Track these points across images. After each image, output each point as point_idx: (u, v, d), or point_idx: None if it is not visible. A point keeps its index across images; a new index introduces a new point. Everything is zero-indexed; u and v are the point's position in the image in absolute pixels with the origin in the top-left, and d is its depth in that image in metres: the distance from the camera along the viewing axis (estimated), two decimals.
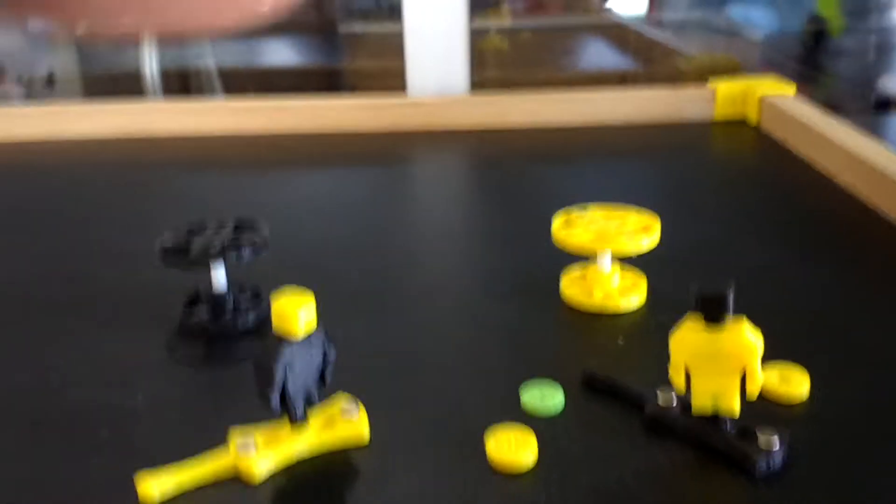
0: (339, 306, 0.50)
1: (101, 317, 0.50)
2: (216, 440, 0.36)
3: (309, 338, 0.35)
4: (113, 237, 0.63)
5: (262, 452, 0.35)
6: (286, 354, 0.34)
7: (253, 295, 0.49)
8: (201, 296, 0.49)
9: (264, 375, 0.34)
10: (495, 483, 0.35)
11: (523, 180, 0.74)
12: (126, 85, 1.35)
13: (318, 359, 0.36)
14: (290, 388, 0.35)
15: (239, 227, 0.48)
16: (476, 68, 0.96)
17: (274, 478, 0.35)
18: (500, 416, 0.38)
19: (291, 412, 0.36)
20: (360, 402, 0.38)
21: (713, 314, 0.34)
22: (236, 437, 0.36)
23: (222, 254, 0.45)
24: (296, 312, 0.34)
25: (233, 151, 0.84)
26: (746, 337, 0.34)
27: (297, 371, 0.35)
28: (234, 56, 1.62)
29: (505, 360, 0.44)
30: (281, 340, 0.34)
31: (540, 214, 0.50)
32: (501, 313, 0.49)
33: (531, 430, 0.37)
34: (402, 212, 0.68)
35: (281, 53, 1.76)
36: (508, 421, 0.38)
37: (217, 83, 1.45)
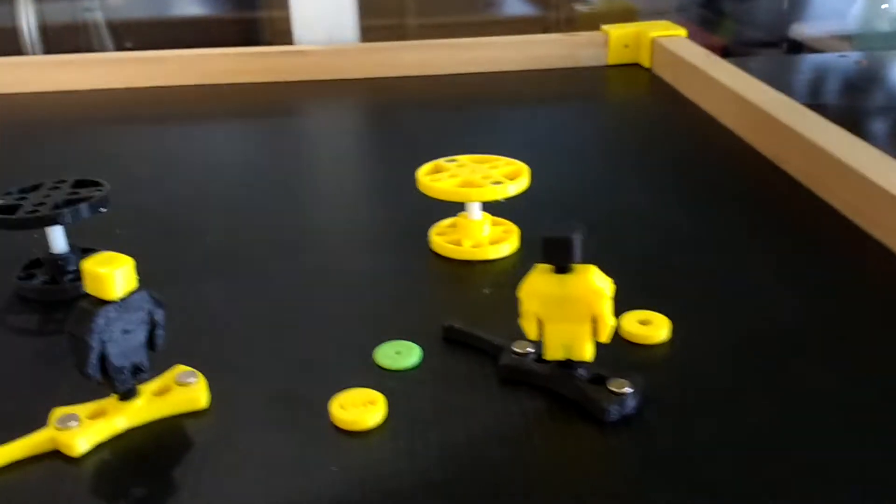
0: (195, 265, 0.47)
1: None
2: (46, 413, 0.33)
3: (128, 301, 0.32)
4: None
5: (85, 425, 0.33)
6: (100, 320, 0.31)
7: None
8: (41, 261, 0.45)
9: (79, 343, 0.31)
10: (342, 444, 0.33)
11: (409, 131, 0.71)
12: (5, 43, 1.27)
13: (142, 322, 0.33)
14: (112, 355, 0.32)
15: (79, 185, 0.45)
16: (390, 16, 0.93)
17: (99, 450, 0.32)
18: (354, 376, 0.36)
19: (116, 381, 0.33)
20: (199, 373, 0.35)
21: (560, 260, 0.33)
22: (58, 412, 0.33)
23: (55, 211, 0.41)
24: (111, 273, 0.31)
25: (104, 107, 0.79)
26: (594, 282, 0.33)
27: (118, 337, 0.32)
28: (142, 8, 1.53)
29: (367, 315, 0.42)
30: (95, 304, 0.31)
31: (420, 164, 0.48)
32: (369, 266, 0.47)
33: (379, 391, 0.35)
34: (279, 166, 0.65)
35: (191, 6, 1.67)
36: (363, 380, 0.36)
37: (108, 38, 1.38)
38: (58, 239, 0.43)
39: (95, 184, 0.45)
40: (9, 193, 0.44)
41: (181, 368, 0.36)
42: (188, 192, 0.58)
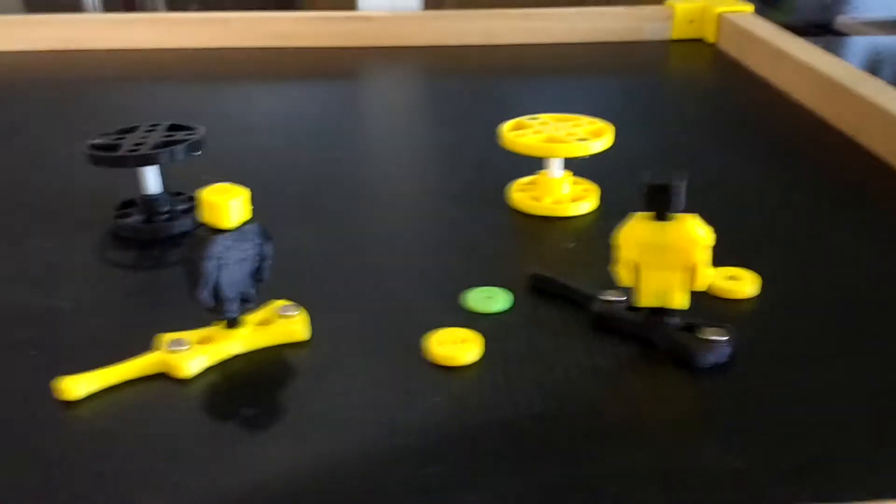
0: (283, 214, 0.48)
1: (27, 220, 0.47)
2: (144, 343, 0.35)
3: (242, 231, 0.33)
4: (45, 146, 0.60)
5: (193, 349, 0.34)
6: (216, 247, 0.32)
7: (189, 200, 0.47)
8: (136, 201, 0.46)
9: (194, 269, 0.33)
10: (438, 378, 0.34)
11: (477, 96, 0.72)
12: (66, 2, 1.28)
13: (252, 253, 0.34)
14: (223, 283, 0.33)
15: (173, 129, 0.46)
16: None
17: (206, 373, 0.34)
18: (446, 317, 0.37)
19: (224, 309, 0.34)
20: (300, 306, 0.37)
21: (662, 206, 0.33)
22: (168, 336, 0.34)
23: (154, 150, 0.43)
24: (226, 202, 0.32)
25: (174, 66, 0.80)
26: (695, 230, 0.33)
27: (230, 265, 0.33)
28: None
29: (451, 263, 0.43)
30: (211, 232, 0.32)
31: (491, 127, 0.48)
32: (448, 219, 0.48)
33: (475, 331, 0.36)
34: (350, 125, 0.65)
35: None
36: (452, 321, 0.37)
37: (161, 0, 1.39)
38: (153, 180, 0.45)
39: (188, 128, 0.46)
40: (107, 134, 0.45)
41: (282, 302, 0.37)
42: (264, 149, 0.60)
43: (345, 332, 0.37)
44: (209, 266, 0.32)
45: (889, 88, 0.59)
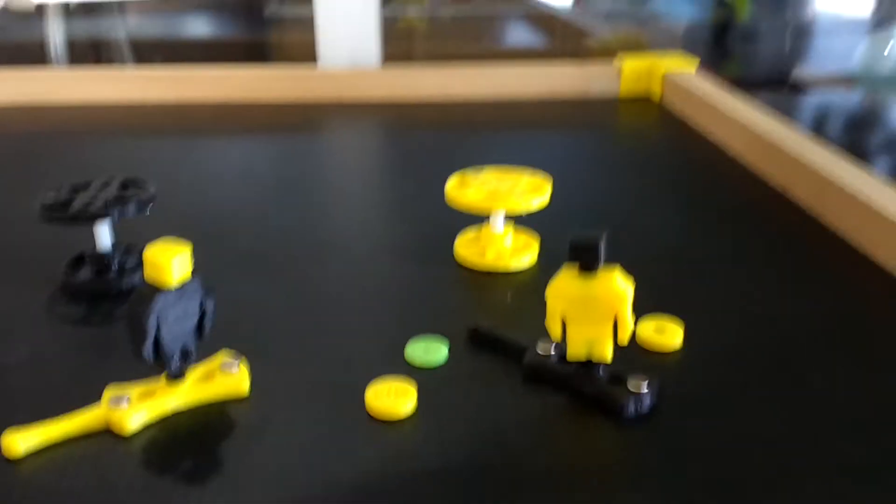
0: (232, 267, 0.49)
1: None
2: (93, 397, 0.35)
3: (184, 288, 0.34)
4: (3, 200, 0.60)
5: (135, 405, 0.35)
6: (158, 304, 0.33)
7: (140, 255, 0.48)
8: (86, 257, 0.47)
9: (137, 326, 0.34)
10: (374, 431, 0.35)
11: (429, 151, 0.74)
12: (32, 57, 1.30)
13: (194, 310, 0.35)
14: (165, 338, 0.34)
15: (125, 185, 0.47)
16: (391, 44, 0.96)
17: (148, 429, 0.35)
18: (385, 370, 0.38)
19: (166, 364, 0.35)
20: (242, 357, 0.38)
21: (586, 262, 0.35)
22: (110, 392, 0.35)
23: (105, 208, 0.44)
24: (168, 261, 0.33)
25: (135, 121, 0.82)
26: (617, 284, 0.35)
27: (171, 322, 0.34)
28: (155, 29, 1.57)
29: (395, 317, 0.44)
30: (153, 290, 0.34)
31: (441, 182, 0.50)
32: (396, 273, 0.49)
33: (411, 382, 0.37)
34: (305, 180, 0.67)
35: (202, 28, 1.71)
36: (393, 374, 0.38)
37: (128, 54, 1.41)
38: (104, 236, 0.46)
39: (140, 184, 0.47)
40: (59, 190, 0.47)
41: (224, 356, 0.38)
42: (219, 202, 0.61)
43: (287, 385, 0.38)
44: (150, 323, 0.33)
45: (813, 145, 0.62)
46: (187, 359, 0.36)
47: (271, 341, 0.42)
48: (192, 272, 0.35)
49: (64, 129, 0.79)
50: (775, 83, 1.38)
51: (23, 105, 0.85)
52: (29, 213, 0.46)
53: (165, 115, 0.83)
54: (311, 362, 0.40)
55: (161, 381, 0.36)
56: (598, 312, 0.35)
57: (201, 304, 0.36)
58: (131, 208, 0.44)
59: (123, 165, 0.70)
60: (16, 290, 0.46)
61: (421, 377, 0.38)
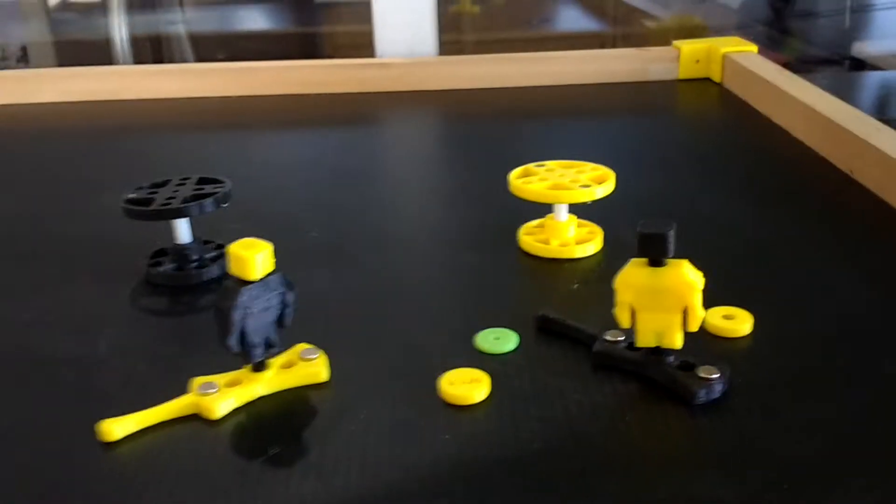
0: (304, 259, 0.51)
1: (66, 269, 0.51)
2: (178, 386, 0.37)
3: (266, 281, 0.36)
4: (81, 196, 0.63)
5: (223, 392, 0.37)
6: (244, 297, 0.35)
7: (217, 248, 0.50)
8: (167, 250, 0.50)
9: (223, 318, 0.35)
10: (449, 416, 0.36)
11: (489, 139, 0.75)
12: (97, 53, 1.34)
13: (276, 302, 0.37)
14: (249, 330, 0.36)
15: (202, 182, 0.49)
16: (448, 32, 0.96)
17: (234, 414, 0.36)
18: (457, 358, 0.40)
19: (250, 354, 0.37)
20: (320, 350, 0.39)
21: (654, 254, 0.36)
22: (197, 382, 0.37)
23: (184, 205, 0.46)
24: (252, 256, 0.35)
25: (201, 115, 0.84)
26: (687, 275, 0.35)
27: (256, 314, 0.36)
28: (211, 24, 1.61)
29: (463, 305, 0.45)
30: (239, 284, 0.35)
31: (503, 171, 0.51)
32: (461, 262, 0.51)
33: (484, 370, 0.38)
34: (368, 170, 0.69)
35: (257, 21, 1.74)
36: (464, 361, 0.39)
37: (189, 49, 1.45)
38: (184, 230, 0.48)
39: (217, 181, 0.49)
40: (140, 188, 0.49)
41: (304, 346, 0.39)
42: (285, 194, 0.63)
43: (362, 373, 0.39)
44: (237, 315, 0.35)
45: (880, 125, 0.61)
46: (271, 349, 0.38)
47: (344, 331, 0.43)
48: (275, 267, 0.36)
49: (131, 124, 0.82)
50: (836, 61, 1.35)
51: (91, 101, 0.88)
52: (109, 208, 0.49)
53: (228, 109, 0.85)
54: (384, 351, 0.41)
55: (245, 371, 0.38)
56: (667, 302, 0.36)
57: (283, 297, 0.37)
58: (209, 204, 0.46)
59: (192, 160, 0.72)
60: (100, 283, 0.49)
61: (492, 365, 0.39)
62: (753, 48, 0.87)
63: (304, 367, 0.38)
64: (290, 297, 0.37)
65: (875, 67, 1.27)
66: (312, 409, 0.37)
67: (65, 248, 0.54)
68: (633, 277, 0.36)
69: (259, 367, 0.38)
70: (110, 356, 0.42)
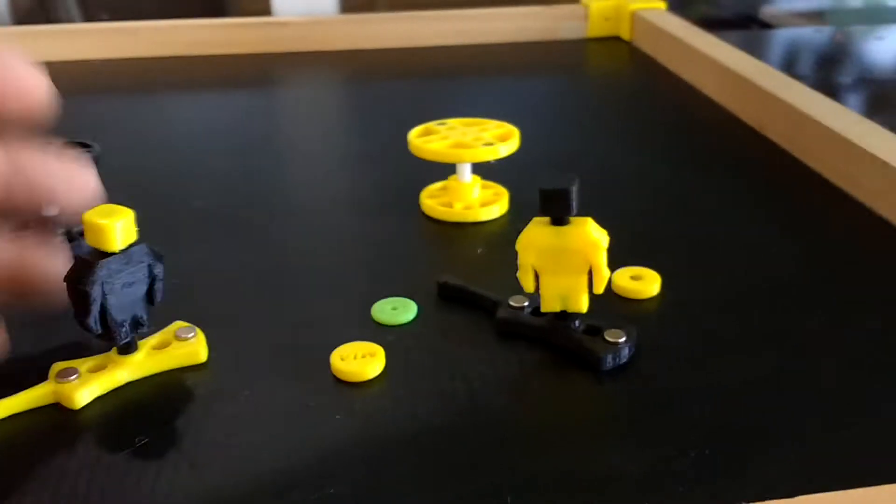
0: (186, 229, 0.47)
1: None
2: (41, 377, 0.33)
3: (129, 252, 0.32)
4: None
5: (84, 378, 0.33)
6: (102, 271, 0.31)
7: None
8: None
9: (79, 296, 0.31)
10: (341, 394, 0.33)
11: (392, 101, 0.71)
12: None
13: (142, 276, 0.33)
14: (112, 308, 0.32)
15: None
16: None
17: (99, 403, 0.33)
18: (352, 331, 0.37)
19: (115, 334, 0.33)
20: (197, 328, 0.36)
21: (557, 212, 0.33)
22: (57, 368, 0.33)
23: None
24: (111, 224, 0.31)
25: (83, 78, 0.78)
26: (591, 233, 0.33)
27: (118, 290, 0.32)
28: None
29: (360, 275, 0.42)
30: (96, 256, 0.31)
31: (405, 133, 0.48)
32: (361, 229, 0.47)
33: (377, 344, 0.35)
34: (263, 136, 0.64)
35: None
36: (360, 334, 0.36)
37: (76, 10, 1.35)
38: None
39: (85, 145, 0.44)
40: None
41: (180, 324, 0.36)
42: (173, 161, 0.58)
43: (248, 351, 0.36)
44: (94, 292, 0.31)
45: (789, 80, 0.60)
46: (140, 328, 0.34)
47: (230, 306, 0.39)
48: (138, 237, 0.32)
49: None
50: (743, 21, 1.36)
51: None
52: None
53: (113, 71, 0.79)
54: (272, 326, 0.38)
55: (112, 354, 0.34)
56: (571, 263, 0.34)
57: (150, 270, 0.33)
58: None
59: (70, 126, 0.66)
60: None
61: (389, 336, 0.36)
62: (662, 5, 0.85)
63: (180, 346, 0.35)
64: (159, 269, 0.33)
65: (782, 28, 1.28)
66: (188, 394, 0.33)
67: None
68: (535, 237, 0.34)
69: (126, 348, 0.34)
70: None
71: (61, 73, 0.78)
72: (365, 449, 0.30)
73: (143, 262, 0.33)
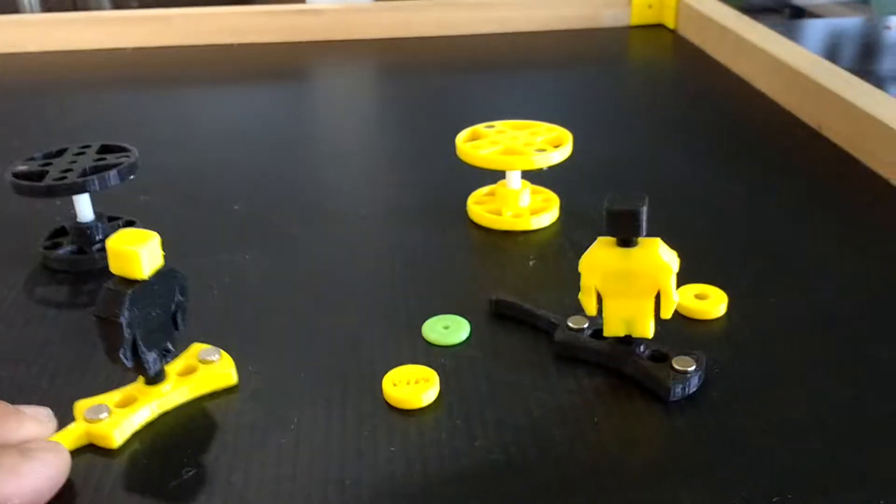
0: (226, 236, 0.45)
1: None
2: (86, 393, 0.32)
3: (156, 279, 0.30)
4: None
5: (115, 415, 0.31)
6: (131, 302, 0.29)
7: (127, 225, 0.44)
8: (67, 229, 0.43)
9: (110, 330, 0.29)
10: (395, 422, 0.31)
11: (431, 94, 0.69)
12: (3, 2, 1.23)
13: (169, 301, 0.31)
14: (142, 340, 0.30)
15: (104, 151, 0.43)
16: None
17: (137, 437, 0.31)
18: (403, 351, 0.35)
19: (146, 367, 0.31)
20: (221, 350, 0.34)
21: (625, 233, 0.31)
22: (83, 404, 0.31)
23: (83, 178, 0.40)
24: (136, 251, 0.29)
25: (113, 69, 0.76)
26: (660, 256, 0.31)
27: (146, 318, 0.30)
28: None
29: (408, 288, 0.40)
30: (124, 286, 0.29)
31: (448, 130, 0.46)
32: (406, 237, 0.45)
33: (431, 368, 0.33)
34: (300, 131, 0.63)
35: None
36: (411, 357, 0.34)
37: None
38: (85, 207, 0.42)
39: (121, 149, 0.43)
40: (32, 159, 0.42)
41: (199, 346, 0.34)
42: (209, 157, 0.57)
43: (289, 375, 0.34)
44: (125, 323, 0.29)
45: (852, 78, 0.57)
46: (166, 356, 0.32)
47: (273, 323, 0.38)
48: (164, 259, 0.30)
49: (35, 81, 0.74)
50: (776, 9, 1.31)
51: None
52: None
53: (145, 61, 0.78)
54: (315, 347, 0.36)
55: (139, 384, 0.32)
56: (638, 286, 0.32)
57: (175, 295, 0.31)
58: (113, 177, 0.40)
59: (104, 118, 0.65)
60: None
61: (441, 358, 0.35)
62: None
63: (207, 370, 0.33)
64: (184, 293, 0.31)
65: (814, 15, 1.24)
66: (229, 423, 0.32)
67: None
68: (600, 259, 0.32)
69: (156, 378, 0.32)
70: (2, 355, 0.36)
71: (92, 62, 0.77)
72: (420, 485, 0.29)
73: (170, 286, 0.31)
